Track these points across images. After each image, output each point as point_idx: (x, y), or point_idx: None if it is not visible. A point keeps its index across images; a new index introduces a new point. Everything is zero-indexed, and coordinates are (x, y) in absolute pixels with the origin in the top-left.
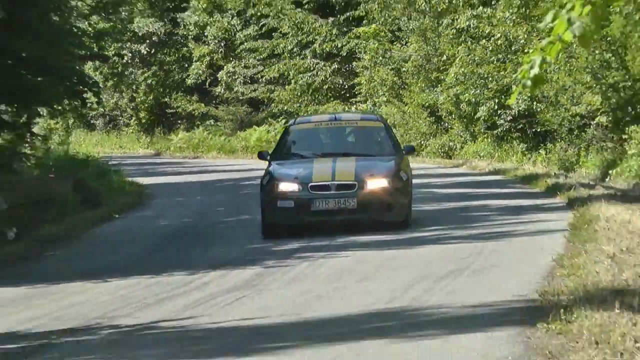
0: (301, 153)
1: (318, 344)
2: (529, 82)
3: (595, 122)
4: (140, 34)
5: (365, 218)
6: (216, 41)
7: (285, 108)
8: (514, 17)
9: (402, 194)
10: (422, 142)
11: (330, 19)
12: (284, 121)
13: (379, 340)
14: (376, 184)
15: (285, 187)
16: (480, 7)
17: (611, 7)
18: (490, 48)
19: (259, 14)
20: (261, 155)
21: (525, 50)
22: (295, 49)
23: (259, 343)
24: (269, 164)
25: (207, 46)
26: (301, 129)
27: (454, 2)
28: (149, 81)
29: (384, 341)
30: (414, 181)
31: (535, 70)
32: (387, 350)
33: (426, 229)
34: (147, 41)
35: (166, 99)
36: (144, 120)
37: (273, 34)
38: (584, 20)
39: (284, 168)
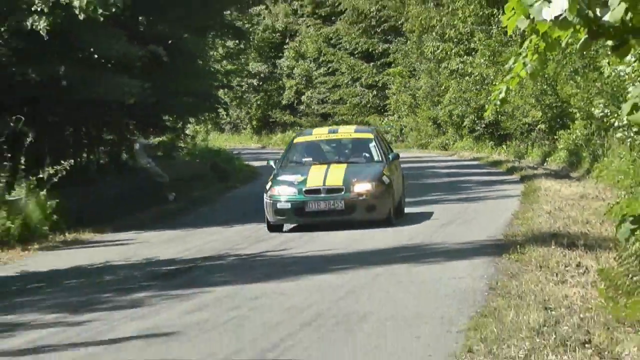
0: (301, 161)
1: (365, 266)
2: (498, 102)
3: (537, 128)
4: (252, 72)
5: (352, 218)
6: (300, 77)
7: (343, 118)
8: (486, 62)
9: (384, 196)
10: (429, 140)
11: (371, 63)
12: None
13: (404, 264)
14: (361, 187)
15: (283, 191)
16: (465, 56)
17: (548, 55)
18: (472, 82)
19: (327, 60)
20: (270, 164)
21: (494, 83)
22: (349, 82)
23: (328, 266)
24: (274, 171)
25: (294, 80)
26: (303, 141)
27: (448, 53)
28: (258, 102)
29: (407, 265)
30: (422, 165)
31: (502, 95)
32: (409, 270)
33: (431, 194)
34: (257, 77)
35: (269, 113)
36: (255, 126)
37: (335, 72)
38: (533, 63)
39: (284, 175)
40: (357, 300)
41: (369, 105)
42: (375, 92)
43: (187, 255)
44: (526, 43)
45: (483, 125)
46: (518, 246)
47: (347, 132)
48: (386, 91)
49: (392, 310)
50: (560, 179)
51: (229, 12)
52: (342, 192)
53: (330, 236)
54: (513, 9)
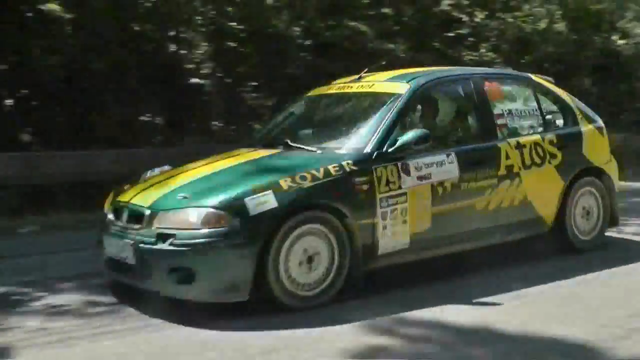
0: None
1: None
2: None
3: None
4: None
5: (146, 285)
6: None
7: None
8: None
9: (226, 247)
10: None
11: None
12: None
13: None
14: (172, 219)
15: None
16: None
17: None
18: None
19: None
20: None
21: None
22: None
23: None
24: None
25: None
26: (312, 98)
27: None
28: None
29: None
30: None
31: None
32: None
33: None
34: None
35: None
36: None
37: None
38: None
39: (160, 167)
40: None
41: None
42: None
43: None
44: None
45: None
46: None
47: (370, 83)
48: None
49: None
50: None
51: None
52: (141, 224)
53: None
54: None
